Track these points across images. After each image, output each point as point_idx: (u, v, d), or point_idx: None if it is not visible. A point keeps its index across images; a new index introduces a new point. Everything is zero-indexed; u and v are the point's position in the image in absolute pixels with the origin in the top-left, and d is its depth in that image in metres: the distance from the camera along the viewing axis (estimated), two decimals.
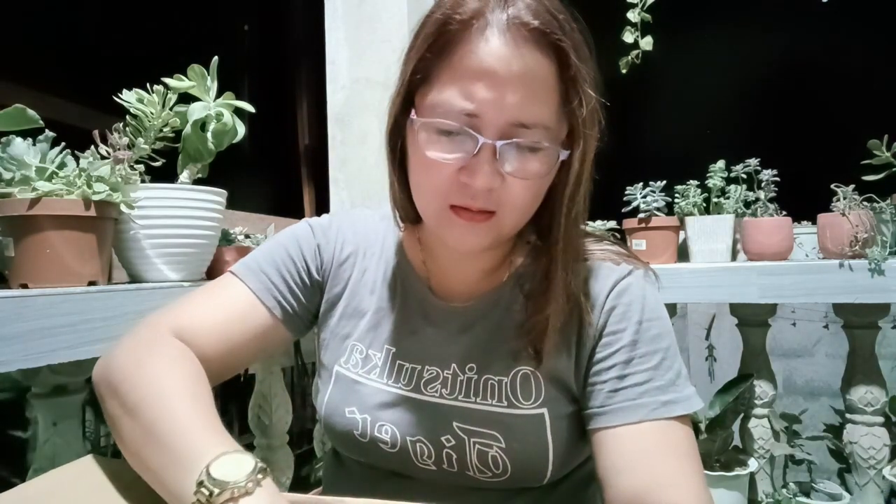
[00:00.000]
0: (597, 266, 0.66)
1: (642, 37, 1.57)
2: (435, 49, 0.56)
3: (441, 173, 0.57)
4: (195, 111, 0.87)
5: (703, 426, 1.37)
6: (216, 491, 0.42)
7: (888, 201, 1.27)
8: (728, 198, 1.45)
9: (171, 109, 0.86)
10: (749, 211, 1.43)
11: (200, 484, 0.43)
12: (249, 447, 1.19)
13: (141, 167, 0.82)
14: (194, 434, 0.48)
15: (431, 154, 0.56)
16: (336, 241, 0.74)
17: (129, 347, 0.59)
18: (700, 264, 1.39)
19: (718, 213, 1.44)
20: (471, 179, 0.56)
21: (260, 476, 0.44)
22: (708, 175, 1.47)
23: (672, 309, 1.50)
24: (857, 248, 1.23)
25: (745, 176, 1.44)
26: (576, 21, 0.57)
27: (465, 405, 0.64)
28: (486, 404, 0.64)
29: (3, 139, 0.70)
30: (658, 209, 1.45)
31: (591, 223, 1.46)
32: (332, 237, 0.74)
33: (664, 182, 1.47)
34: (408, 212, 0.67)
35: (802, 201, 1.40)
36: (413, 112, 0.59)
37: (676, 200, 1.48)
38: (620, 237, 1.37)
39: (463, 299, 0.69)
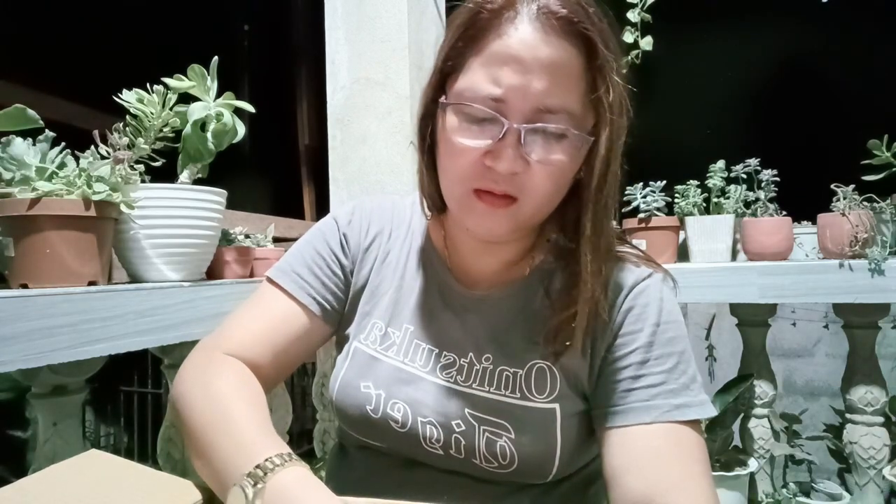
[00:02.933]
0: (617, 265, 0.66)
1: (642, 37, 1.57)
2: (466, 37, 0.58)
3: (467, 158, 0.58)
4: (195, 111, 0.87)
5: (703, 426, 1.37)
6: (260, 473, 0.48)
7: (888, 201, 1.27)
8: (728, 198, 1.45)
9: (171, 109, 0.85)
10: (749, 211, 1.43)
11: (248, 474, 0.49)
12: None
13: (141, 167, 0.82)
14: (249, 439, 0.53)
15: (459, 139, 0.58)
16: (360, 228, 0.76)
17: (189, 374, 0.64)
18: (700, 264, 1.39)
19: (718, 213, 1.44)
20: (495, 163, 0.57)
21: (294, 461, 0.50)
22: (708, 175, 1.47)
23: None
24: (857, 248, 1.23)
25: (745, 176, 1.44)
26: (605, 15, 0.58)
27: (479, 393, 0.65)
28: (499, 394, 0.64)
29: (3, 139, 0.70)
30: (658, 209, 1.45)
31: None
32: (357, 224, 0.76)
33: (664, 182, 1.47)
34: (435, 199, 0.68)
35: (802, 201, 1.40)
36: (443, 97, 0.60)
37: (676, 200, 1.48)
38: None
39: (483, 288, 0.70)
